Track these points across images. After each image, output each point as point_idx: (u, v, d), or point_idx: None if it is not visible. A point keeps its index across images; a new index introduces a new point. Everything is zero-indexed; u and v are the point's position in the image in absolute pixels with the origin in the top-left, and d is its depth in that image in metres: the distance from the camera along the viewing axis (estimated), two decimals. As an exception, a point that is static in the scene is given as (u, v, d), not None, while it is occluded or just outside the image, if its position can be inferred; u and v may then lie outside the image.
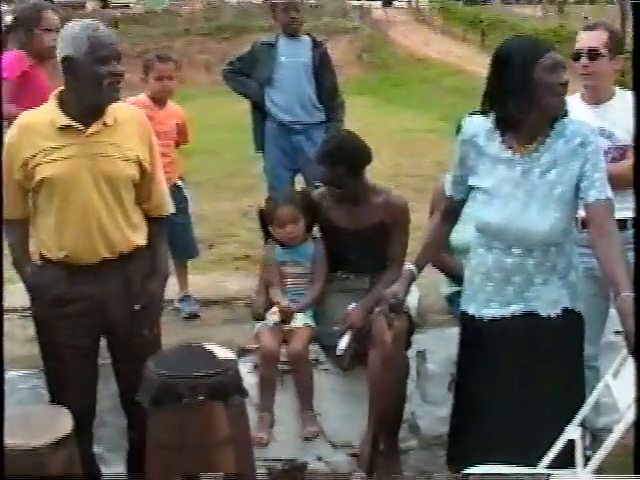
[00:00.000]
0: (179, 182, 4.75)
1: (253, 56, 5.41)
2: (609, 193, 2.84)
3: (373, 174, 5.51)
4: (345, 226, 3.89)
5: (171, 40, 27.99)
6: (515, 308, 2.97)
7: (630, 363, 2.59)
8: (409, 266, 3.14)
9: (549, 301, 2.94)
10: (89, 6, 36.52)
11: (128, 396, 3.32)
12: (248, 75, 5.40)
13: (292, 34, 5.34)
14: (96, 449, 3.55)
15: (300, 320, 3.86)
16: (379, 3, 38.80)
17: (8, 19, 4.45)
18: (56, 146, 3.09)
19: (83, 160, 3.11)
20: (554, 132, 2.87)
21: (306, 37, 5.45)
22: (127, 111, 3.27)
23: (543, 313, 2.94)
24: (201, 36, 29.93)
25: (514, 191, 2.90)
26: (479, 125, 2.98)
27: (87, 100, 3.10)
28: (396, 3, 41.33)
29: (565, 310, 2.95)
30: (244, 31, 29.99)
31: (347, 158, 3.80)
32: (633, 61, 2.63)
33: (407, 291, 3.10)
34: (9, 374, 3.56)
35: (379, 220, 3.86)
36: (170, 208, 3.50)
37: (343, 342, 3.74)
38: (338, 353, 3.76)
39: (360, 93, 19.14)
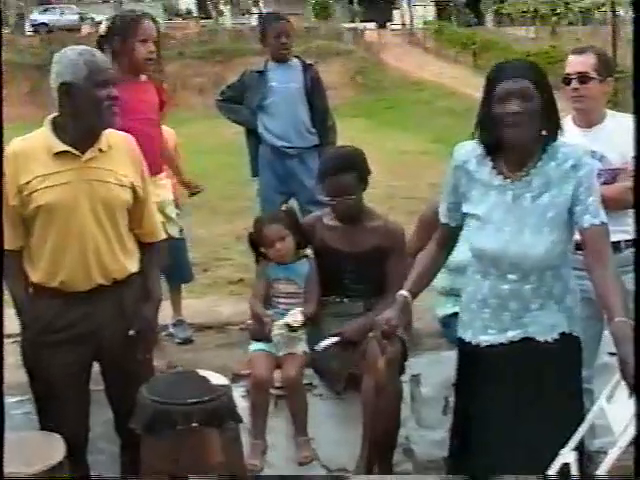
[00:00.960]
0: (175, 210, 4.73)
1: (243, 84, 5.43)
2: (603, 217, 2.83)
3: (367, 195, 5.54)
4: (341, 249, 3.89)
5: (165, 63, 28.04)
6: (512, 334, 2.96)
7: (623, 386, 2.59)
8: (403, 292, 3.12)
9: (546, 326, 2.93)
10: (84, 30, 36.68)
11: (122, 421, 3.31)
12: (240, 102, 5.43)
13: (282, 60, 5.36)
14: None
15: (298, 345, 3.85)
16: (373, 25, 39.03)
17: (103, 27, 4.34)
18: (52, 172, 3.08)
19: (80, 186, 3.11)
20: (546, 155, 2.86)
21: (295, 60, 5.46)
22: (118, 137, 3.27)
23: (540, 338, 2.93)
24: (195, 59, 30.09)
25: (506, 217, 2.89)
26: (470, 151, 2.98)
27: (85, 125, 3.11)
28: (390, 25, 41.60)
29: (562, 334, 2.94)
30: (238, 54, 30.13)
31: (358, 164, 3.84)
32: (634, 77, 2.63)
33: (400, 317, 3.09)
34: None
35: (375, 244, 3.86)
36: (161, 235, 3.49)
37: (325, 342, 3.77)
38: (315, 349, 3.78)
39: (354, 115, 19.22)
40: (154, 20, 4.40)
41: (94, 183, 3.13)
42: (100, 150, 3.15)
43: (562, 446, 2.77)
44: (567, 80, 3.64)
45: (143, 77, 4.48)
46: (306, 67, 5.45)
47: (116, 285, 3.24)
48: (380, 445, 3.64)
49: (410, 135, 16.78)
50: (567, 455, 2.75)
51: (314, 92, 5.41)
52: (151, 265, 3.41)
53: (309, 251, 4.04)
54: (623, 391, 2.60)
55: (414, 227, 4.22)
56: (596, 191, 2.86)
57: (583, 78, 3.59)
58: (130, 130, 4.00)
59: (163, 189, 4.25)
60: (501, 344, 2.98)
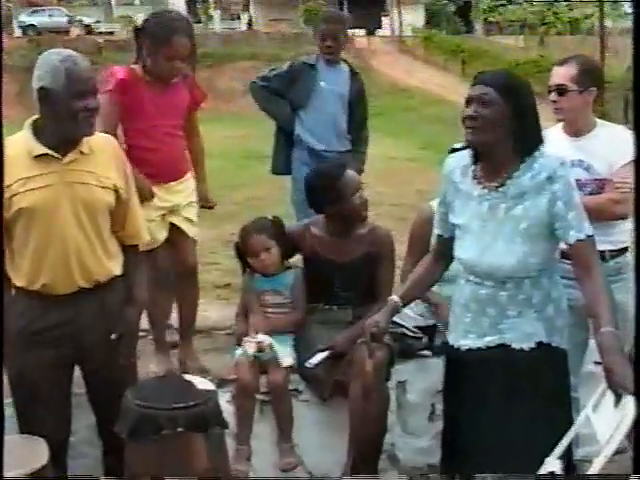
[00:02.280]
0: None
1: (291, 75, 5.23)
2: (588, 229, 2.84)
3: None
4: (330, 257, 3.87)
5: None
6: (489, 339, 2.97)
7: (609, 396, 2.60)
8: (394, 297, 3.14)
9: (523, 334, 2.93)
10: (73, 32, 36.64)
11: (104, 426, 3.31)
12: (282, 95, 5.25)
13: (330, 61, 5.22)
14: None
15: (280, 351, 3.84)
16: (362, 32, 39.09)
17: (140, 18, 4.24)
18: (33, 175, 3.06)
19: (61, 188, 3.08)
20: (524, 165, 2.86)
21: (344, 65, 5.33)
22: (101, 140, 3.24)
23: (516, 345, 2.94)
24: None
25: (483, 226, 2.91)
26: (457, 161, 3.02)
27: (61, 132, 3.08)
28: (379, 32, 41.69)
29: (540, 344, 2.93)
30: (228, 59, 30.22)
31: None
32: (634, 82, 2.64)
33: (389, 321, 3.10)
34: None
35: (364, 252, 3.85)
36: (146, 238, 3.46)
37: (317, 358, 3.73)
38: (307, 365, 3.75)
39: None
40: (188, 22, 4.26)
41: (75, 185, 3.10)
42: (81, 153, 3.12)
43: (535, 453, 2.78)
44: (549, 92, 3.66)
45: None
46: (354, 75, 5.34)
47: (98, 288, 3.22)
48: (366, 451, 3.64)
49: (398, 142, 16.81)
50: (552, 463, 2.76)
51: (358, 101, 5.30)
52: (135, 268, 3.38)
53: (295, 260, 4.03)
54: (609, 400, 2.61)
55: (401, 233, 4.22)
56: (576, 203, 2.86)
57: (561, 90, 3.60)
58: (149, 134, 4.02)
59: (177, 194, 4.22)
60: (479, 349, 2.99)
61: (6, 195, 3.05)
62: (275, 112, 5.33)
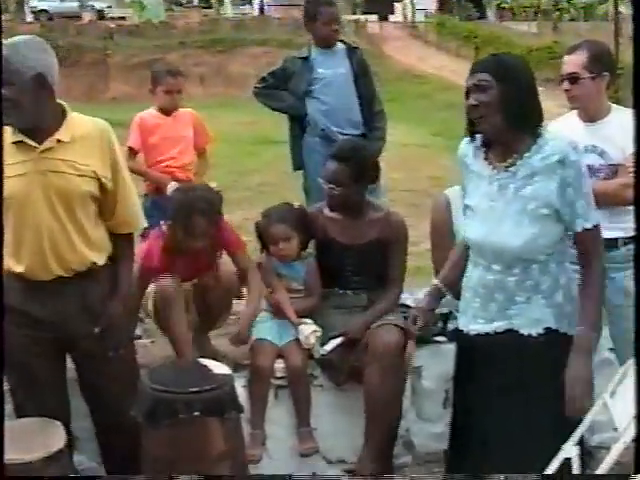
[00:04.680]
0: None
1: (285, 71, 5.27)
2: (595, 218, 2.86)
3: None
4: (342, 241, 3.86)
5: (166, 52, 27.94)
6: (497, 325, 2.96)
7: (627, 382, 2.60)
8: (435, 281, 3.20)
9: (531, 320, 2.92)
10: (85, 17, 36.60)
11: (96, 418, 3.35)
12: (282, 89, 5.27)
13: (329, 46, 5.22)
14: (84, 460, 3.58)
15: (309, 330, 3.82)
16: (375, 18, 38.93)
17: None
18: (11, 163, 3.00)
19: (35, 177, 3.05)
20: (535, 147, 2.84)
21: (340, 45, 5.30)
22: (88, 126, 3.19)
23: (524, 331, 2.93)
24: (196, 49, 29.95)
25: (491, 206, 2.91)
26: (468, 144, 3.02)
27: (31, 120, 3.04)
28: (392, 18, 41.49)
29: (548, 330, 2.92)
30: (239, 44, 30.08)
31: (355, 157, 3.77)
32: (634, 71, 2.62)
33: (434, 306, 3.24)
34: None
35: (377, 237, 3.83)
36: (139, 225, 3.41)
37: (331, 344, 3.74)
38: (321, 352, 3.76)
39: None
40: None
41: (49, 174, 3.06)
42: (59, 141, 3.07)
43: (543, 439, 2.77)
44: (561, 80, 3.64)
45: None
46: (351, 51, 5.31)
47: (79, 277, 3.18)
48: (382, 436, 3.64)
49: (411, 128, 16.71)
50: (569, 450, 2.75)
51: (361, 76, 5.26)
52: (123, 258, 3.34)
53: (310, 248, 4.02)
54: (627, 387, 2.60)
55: (413, 219, 4.20)
56: (586, 191, 2.85)
57: (573, 79, 3.59)
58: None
59: None
60: (487, 334, 2.99)
61: None
62: (280, 105, 5.37)
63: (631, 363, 2.81)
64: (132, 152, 4.87)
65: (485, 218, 2.92)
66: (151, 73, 5.12)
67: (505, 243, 2.86)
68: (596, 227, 2.86)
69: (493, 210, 2.89)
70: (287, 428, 3.86)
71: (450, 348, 3.47)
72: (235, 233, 4.01)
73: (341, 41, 5.35)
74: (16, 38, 3.05)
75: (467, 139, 3.02)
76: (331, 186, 3.75)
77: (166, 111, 4.99)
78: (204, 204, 3.74)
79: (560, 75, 3.66)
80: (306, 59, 5.22)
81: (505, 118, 2.80)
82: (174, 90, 4.93)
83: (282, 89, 5.28)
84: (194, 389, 2.89)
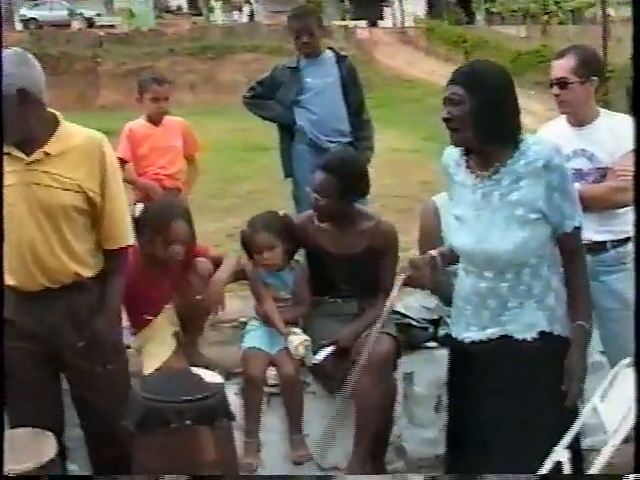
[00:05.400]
0: None
1: (274, 80, 5.28)
2: (580, 219, 2.89)
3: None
4: (332, 251, 3.84)
5: (155, 60, 27.94)
6: (491, 331, 2.97)
7: (617, 385, 2.61)
8: (432, 252, 3.19)
9: (525, 324, 2.93)
10: (74, 25, 36.56)
11: (87, 430, 3.34)
12: (270, 99, 5.29)
13: (311, 56, 5.23)
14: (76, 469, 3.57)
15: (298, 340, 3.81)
16: (364, 23, 38.99)
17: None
18: None
19: (20, 188, 3.03)
20: (517, 152, 2.85)
21: (328, 53, 5.31)
22: (81, 138, 3.16)
23: (519, 336, 2.94)
24: (186, 56, 29.94)
25: (478, 214, 2.91)
26: (451, 154, 3.02)
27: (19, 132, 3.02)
28: (381, 23, 41.58)
29: (542, 333, 2.93)
30: (229, 51, 30.08)
31: (343, 169, 3.74)
32: (634, 72, 2.63)
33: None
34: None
35: (367, 245, 3.81)
36: (127, 241, 3.36)
37: (322, 354, 3.74)
38: (313, 361, 3.76)
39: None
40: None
41: (34, 187, 3.05)
42: (46, 153, 3.06)
43: (540, 443, 2.78)
44: (551, 85, 3.65)
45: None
46: (340, 59, 5.30)
47: (67, 289, 3.17)
48: (373, 443, 3.64)
49: (401, 133, 16.73)
50: (560, 453, 2.76)
51: (349, 84, 5.27)
52: (111, 273, 3.30)
53: (297, 256, 4.01)
54: (616, 390, 2.62)
55: (404, 225, 4.20)
56: (571, 192, 2.88)
57: (562, 83, 3.60)
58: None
59: None
60: (481, 341, 3.00)
61: None
62: (271, 115, 5.40)
63: (621, 366, 2.83)
64: (121, 162, 4.88)
65: (473, 227, 2.92)
66: (138, 82, 5.14)
67: (496, 249, 2.87)
68: (581, 224, 2.90)
69: (479, 219, 2.91)
70: (280, 435, 3.86)
71: (442, 354, 3.49)
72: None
73: (330, 49, 5.36)
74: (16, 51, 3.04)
75: (449, 148, 3.03)
76: (317, 197, 3.74)
77: (154, 120, 5.00)
78: (182, 209, 3.81)
79: (549, 80, 3.68)
80: (295, 69, 5.24)
81: (477, 132, 2.81)
82: (161, 97, 4.95)
83: (271, 98, 5.30)
84: (185, 398, 2.88)
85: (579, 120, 3.67)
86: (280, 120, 5.35)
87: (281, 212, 4.01)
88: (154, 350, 3.81)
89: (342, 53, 5.41)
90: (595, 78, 3.61)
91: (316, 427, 3.87)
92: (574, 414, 2.90)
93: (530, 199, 2.82)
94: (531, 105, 15.03)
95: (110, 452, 3.30)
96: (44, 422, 3.20)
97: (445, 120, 2.85)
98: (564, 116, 3.72)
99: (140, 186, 4.96)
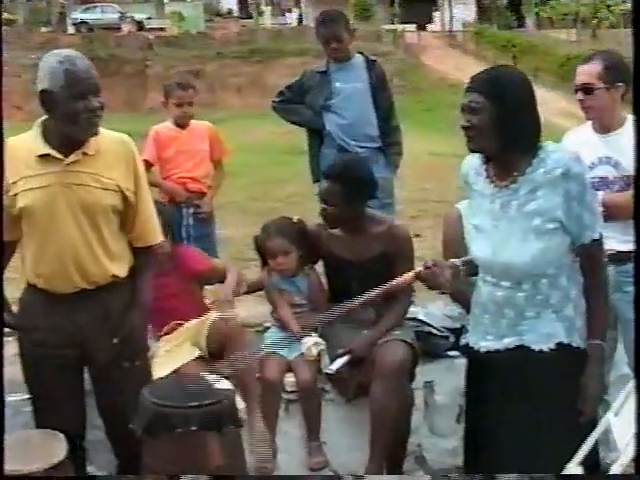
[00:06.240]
0: None
1: (303, 84, 5.25)
2: (600, 230, 2.81)
3: (397, 199, 5.45)
4: (346, 257, 3.81)
5: (203, 63, 28.25)
6: (508, 341, 2.91)
7: (631, 401, 2.53)
8: (455, 260, 3.09)
9: (542, 335, 2.86)
10: (125, 28, 37.03)
11: (110, 428, 3.33)
12: (300, 103, 5.26)
13: (341, 60, 5.18)
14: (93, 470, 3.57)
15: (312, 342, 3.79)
16: (413, 27, 38.91)
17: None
18: (34, 175, 3.06)
19: (59, 189, 3.07)
20: (536, 160, 2.79)
21: (358, 57, 5.25)
22: (112, 140, 3.21)
23: (535, 347, 2.87)
24: (234, 59, 30.19)
25: (496, 224, 2.86)
26: (470, 163, 2.97)
27: (64, 133, 3.07)
28: (430, 27, 41.44)
29: (560, 344, 2.86)
30: (277, 55, 30.26)
31: (349, 176, 3.72)
32: (634, 73, 2.56)
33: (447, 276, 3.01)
34: (13, 397, 3.57)
35: (381, 251, 3.77)
36: (157, 238, 3.40)
37: (337, 363, 3.69)
38: (326, 371, 3.72)
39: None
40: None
41: (73, 187, 3.08)
42: (85, 154, 3.10)
43: (557, 455, 2.72)
44: (575, 91, 3.58)
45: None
46: (370, 64, 5.25)
47: (100, 290, 3.19)
48: (389, 452, 3.60)
49: (445, 137, 16.64)
50: (573, 469, 2.68)
51: (378, 89, 5.21)
52: (142, 270, 3.34)
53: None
54: (631, 405, 2.54)
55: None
56: (591, 202, 2.80)
57: (587, 89, 3.53)
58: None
59: None
60: (497, 350, 2.94)
61: (11, 192, 3.06)
62: (300, 119, 5.35)
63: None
64: (147, 165, 4.90)
65: (490, 237, 2.88)
66: (163, 86, 5.19)
67: (513, 260, 2.82)
68: (601, 237, 2.82)
69: (497, 229, 2.86)
70: (298, 442, 3.83)
71: (463, 363, 3.42)
72: (197, 254, 4.12)
73: (360, 53, 5.32)
74: (65, 51, 3.10)
75: (469, 157, 2.98)
76: (324, 205, 3.73)
77: (180, 124, 5.02)
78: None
79: (574, 85, 3.61)
80: (324, 73, 5.19)
81: (497, 140, 2.76)
82: (184, 102, 4.97)
83: (300, 103, 5.25)
84: (192, 404, 2.87)
85: (605, 127, 3.59)
86: (309, 125, 5.31)
87: (295, 218, 4.00)
88: (169, 357, 3.83)
89: (372, 57, 5.34)
90: (621, 84, 3.53)
91: (334, 434, 3.84)
92: (592, 426, 2.83)
93: (548, 208, 2.76)
94: (579, 110, 14.84)
95: (134, 450, 3.31)
96: (68, 424, 3.24)
97: (464, 128, 2.80)
98: (589, 122, 3.65)
99: (165, 189, 4.99)
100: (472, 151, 2.87)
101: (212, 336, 3.82)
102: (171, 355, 3.83)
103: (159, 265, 3.67)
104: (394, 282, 3.17)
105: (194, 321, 3.93)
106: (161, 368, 3.67)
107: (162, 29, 37.31)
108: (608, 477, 2.61)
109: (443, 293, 3.23)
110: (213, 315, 3.87)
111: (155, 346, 3.88)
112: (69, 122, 3.03)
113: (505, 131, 2.74)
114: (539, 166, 2.78)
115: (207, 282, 4.21)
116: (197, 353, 3.84)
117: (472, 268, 3.09)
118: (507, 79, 2.81)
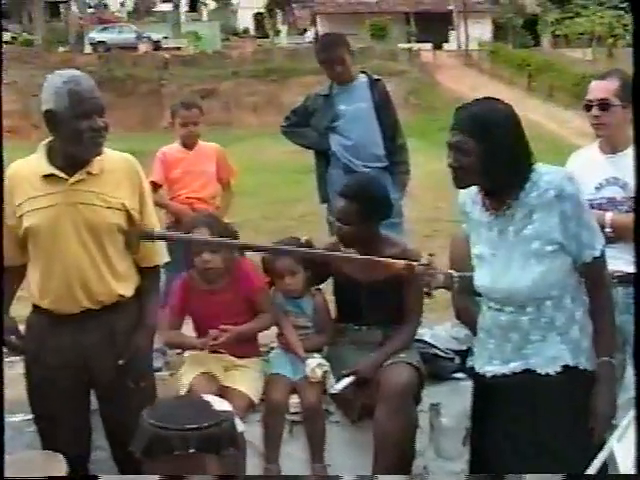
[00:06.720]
0: None
1: (307, 108, 5.27)
2: (601, 244, 2.79)
3: (411, 218, 5.43)
4: (357, 278, 3.78)
5: (219, 82, 28.38)
6: (514, 365, 2.89)
7: (632, 428, 2.50)
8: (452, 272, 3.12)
9: (547, 358, 2.84)
10: (141, 48, 37.31)
11: (116, 449, 3.30)
12: (306, 126, 5.28)
13: (342, 83, 5.18)
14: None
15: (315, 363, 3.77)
16: (428, 46, 38.99)
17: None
18: (39, 195, 3.08)
19: (64, 209, 3.08)
20: (529, 184, 2.77)
21: (361, 77, 5.25)
22: (117, 159, 3.22)
23: (541, 370, 2.84)
24: (250, 78, 30.32)
25: (495, 252, 2.85)
26: (467, 193, 2.94)
27: (68, 152, 3.08)
28: (445, 46, 41.52)
29: (566, 367, 2.83)
30: (293, 74, 30.36)
31: (364, 195, 3.71)
32: (633, 85, 2.54)
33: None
34: (16, 418, 3.56)
35: (392, 273, 3.74)
36: (163, 259, 3.41)
37: (342, 383, 3.66)
38: (331, 391, 3.70)
39: (406, 135, 19.12)
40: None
41: (79, 206, 3.10)
42: (89, 173, 3.11)
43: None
44: (588, 107, 3.54)
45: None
46: (373, 83, 5.25)
47: (106, 310, 3.19)
48: (392, 473, 3.56)
49: (460, 156, 16.67)
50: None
51: (382, 108, 5.22)
52: (148, 290, 3.34)
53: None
54: (631, 433, 2.51)
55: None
56: (588, 220, 2.78)
57: (604, 105, 3.50)
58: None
59: None
60: (504, 375, 2.91)
61: (18, 213, 3.09)
62: (305, 142, 5.38)
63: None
64: (154, 186, 4.90)
65: (490, 265, 2.87)
66: (170, 107, 5.23)
67: (514, 286, 2.81)
68: (603, 254, 2.80)
69: (496, 257, 2.85)
70: (302, 463, 3.80)
71: (469, 385, 3.39)
72: (254, 271, 3.95)
73: (363, 72, 5.33)
74: (69, 71, 3.13)
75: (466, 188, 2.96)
76: (339, 224, 3.71)
77: (187, 144, 5.03)
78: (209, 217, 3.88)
79: (587, 101, 3.57)
80: (327, 96, 5.21)
81: (486, 177, 2.76)
82: (189, 122, 4.98)
83: (306, 126, 5.28)
84: (190, 426, 2.85)
85: (612, 146, 3.57)
86: (315, 147, 5.33)
87: (303, 238, 3.98)
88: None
89: (375, 76, 5.34)
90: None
91: (338, 456, 3.81)
92: (600, 450, 2.79)
93: (545, 231, 2.75)
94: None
95: (139, 472, 3.29)
96: (73, 446, 3.24)
97: (452, 167, 2.78)
98: (596, 143, 3.62)
99: (171, 210, 4.99)
100: (460, 188, 2.87)
101: None
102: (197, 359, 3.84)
103: (211, 281, 3.72)
104: (382, 259, 3.24)
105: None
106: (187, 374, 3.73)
107: (178, 48, 37.59)
108: (608, 477, 2.56)
109: (427, 294, 3.19)
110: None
111: (178, 358, 3.88)
112: (73, 142, 3.04)
113: (494, 168, 2.73)
114: (532, 189, 2.77)
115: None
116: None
117: (467, 284, 3.07)
118: (492, 115, 2.77)
